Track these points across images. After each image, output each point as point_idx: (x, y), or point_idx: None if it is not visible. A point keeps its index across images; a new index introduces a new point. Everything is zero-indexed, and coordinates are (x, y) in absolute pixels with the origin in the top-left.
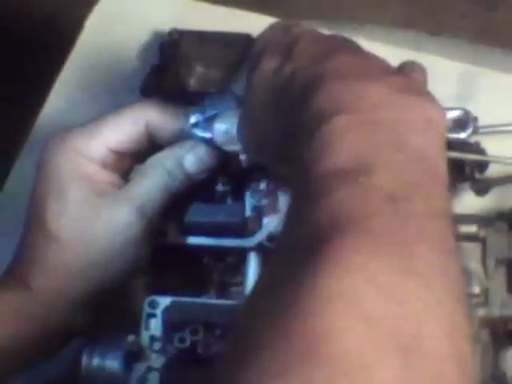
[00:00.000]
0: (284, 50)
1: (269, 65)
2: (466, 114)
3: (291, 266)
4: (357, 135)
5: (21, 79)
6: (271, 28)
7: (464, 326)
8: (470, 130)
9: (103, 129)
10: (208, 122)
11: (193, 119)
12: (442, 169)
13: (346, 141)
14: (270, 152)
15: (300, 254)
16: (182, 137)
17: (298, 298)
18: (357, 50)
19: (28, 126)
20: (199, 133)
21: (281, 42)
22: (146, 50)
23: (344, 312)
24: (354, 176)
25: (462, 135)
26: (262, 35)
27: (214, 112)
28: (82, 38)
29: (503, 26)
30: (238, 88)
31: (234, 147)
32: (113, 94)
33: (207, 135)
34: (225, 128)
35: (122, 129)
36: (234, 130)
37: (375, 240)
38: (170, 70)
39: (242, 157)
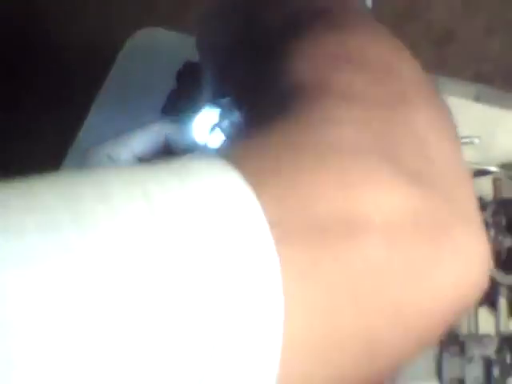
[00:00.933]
0: None
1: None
2: None
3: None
4: None
5: (62, 101)
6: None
7: None
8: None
9: (131, 140)
10: (213, 130)
11: (208, 139)
12: None
13: None
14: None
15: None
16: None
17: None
18: None
19: (70, 140)
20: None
21: None
22: (167, 77)
23: None
24: None
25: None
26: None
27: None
28: (113, 70)
29: (452, 59)
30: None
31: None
32: (140, 112)
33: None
34: (228, 121)
35: (146, 141)
36: (233, 117)
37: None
38: (185, 93)
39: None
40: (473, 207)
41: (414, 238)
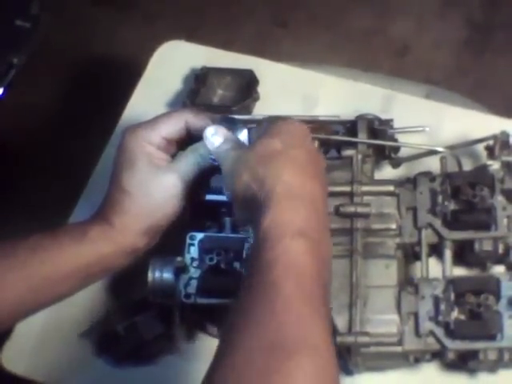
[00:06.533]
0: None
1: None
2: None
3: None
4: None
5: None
6: None
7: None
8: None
9: (159, 124)
10: None
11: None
12: None
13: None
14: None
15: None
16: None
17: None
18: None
19: (111, 130)
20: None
21: None
22: (187, 79)
23: None
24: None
25: None
26: None
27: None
28: (146, 73)
29: (409, 67)
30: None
31: None
32: (167, 105)
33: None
34: None
35: (170, 125)
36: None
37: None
38: (201, 91)
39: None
40: None
41: None
